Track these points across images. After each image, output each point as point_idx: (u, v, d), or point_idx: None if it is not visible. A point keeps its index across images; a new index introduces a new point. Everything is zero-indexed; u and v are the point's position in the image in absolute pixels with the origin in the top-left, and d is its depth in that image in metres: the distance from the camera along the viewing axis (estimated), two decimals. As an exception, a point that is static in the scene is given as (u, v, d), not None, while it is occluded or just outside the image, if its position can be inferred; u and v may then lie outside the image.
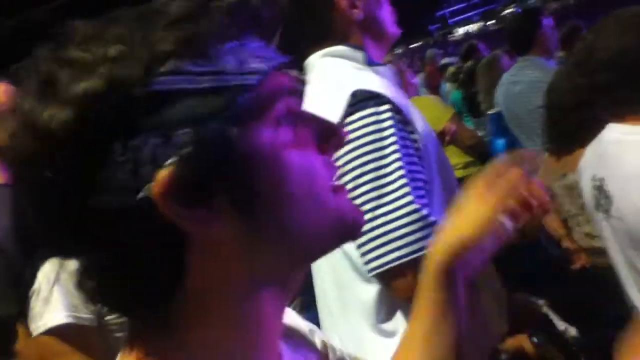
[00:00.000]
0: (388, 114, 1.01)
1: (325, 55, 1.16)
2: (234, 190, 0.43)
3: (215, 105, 0.42)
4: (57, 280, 1.11)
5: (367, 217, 0.98)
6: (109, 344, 1.14)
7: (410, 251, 0.97)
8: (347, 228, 0.52)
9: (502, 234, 0.67)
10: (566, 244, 2.25)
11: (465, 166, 3.13)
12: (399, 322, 1.07)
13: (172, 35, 0.42)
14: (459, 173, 2.95)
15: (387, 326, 1.07)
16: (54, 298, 1.14)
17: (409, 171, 0.99)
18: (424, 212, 0.98)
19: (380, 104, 1.02)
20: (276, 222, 0.46)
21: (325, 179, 0.49)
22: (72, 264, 0.45)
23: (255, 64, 0.45)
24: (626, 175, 1.28)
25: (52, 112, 0.40)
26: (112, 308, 0.47)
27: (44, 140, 0.40)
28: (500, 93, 2.96)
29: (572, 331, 2.06)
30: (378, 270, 0.99)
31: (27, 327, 1.21)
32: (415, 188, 0.99)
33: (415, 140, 1.04)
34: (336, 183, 0.51)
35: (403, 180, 0.98)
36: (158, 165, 0.40)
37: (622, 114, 1.34)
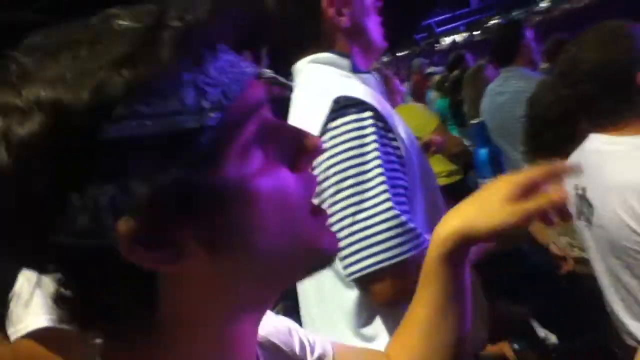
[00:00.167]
0: (370, 121, 1.02)
1: (311, 61, 1.17)
2: (201, 230, 0.41)
3: (173, 149, 0.38)
4: (38, 283, 1.09)
5: (347, 222, 0.99)
6: (90, 348, 1.13)
7: (388, 256, 0.98)
8: (322, 255, 0.50)
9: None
10: (554, 250, 2.27)
11: (449, 174, 3.15)
12: (378, 326, 1.07)
13: (119, 76, 0.37)
14: (442, 180, 2.97)
15: (367, 331, 1.08)
16: (35, 301, 1.13)
17: (390, 178, 1.00)
18: (404, 218, 0.99)
19: (362, 110, 1.02)
20: (248, 256, 0.44)
21: (300, 201, 0.47)
22: None
23: (218, 94, 0.40)
24: (607, 184, 1.31)
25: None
26: (84, 326, 0.44)
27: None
28: (485, 103, 2.99)
29: (553, 338, 2.08)
30: (356, 275, 1.00)
31: (3, 331, 1.20)
32: (395, 194, 1.00)
33: (397, 148, 1.05)
34: (314, 203, 0.49)
35: (383, 187, 0.99)
36: (118, 214, 0.38)
37: (603, 125, 1.36)
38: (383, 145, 1.02)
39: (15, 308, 1.17)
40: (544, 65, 3.52)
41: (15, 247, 0.40)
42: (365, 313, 1.08)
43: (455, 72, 4.54)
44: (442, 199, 1.21)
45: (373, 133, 1.01)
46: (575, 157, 1.47)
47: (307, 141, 0.48)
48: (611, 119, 1.34)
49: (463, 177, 3.21)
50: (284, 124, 0.48)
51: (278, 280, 0.48)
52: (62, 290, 0.42)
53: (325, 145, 1.01)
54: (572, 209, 1.48)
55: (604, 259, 1.41)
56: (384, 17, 1.23)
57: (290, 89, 1.08)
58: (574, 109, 1.49)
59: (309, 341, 0.70)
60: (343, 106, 1.03)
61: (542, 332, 2.07)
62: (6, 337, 1.19)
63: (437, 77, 5.58)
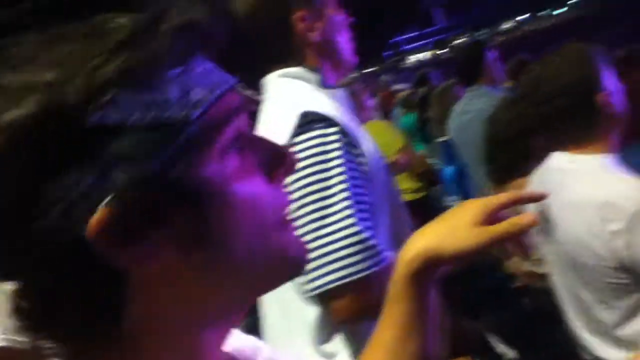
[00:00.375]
0: (335, 137, 1.02)
1: (280, 75, 1.17)
2: (176, 228, 0.41)
3: (156, 139, 0.39)
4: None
5: (309, 237, 0.98)
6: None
7: (348, 273, 0.98)
8: (294, 263, 0.50)
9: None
10: (510, 266, 2.31)
11: (415, 191, 3.20)
12: (339, 344, 1.07)
13: (113, 62, 0.38)
14: (409, 197, 3.00)
15: (328, 347, 1.07)
16: None
17: (354, 193, 1.00)
18: (366, 234, 0.99)
19: (328, 126, 1.03)
20: (220, 259, 0.43)
21: (274, 212, 0.47)
22: (8, 286, 0.42)
23: (201, 93, 0.42)
24: (568, 202, 1.33)
25: None
26: (46, 336, 0.43)
27: None
28: (452, 122, 3.04)
29: (511, 354, 2.10)
30: (317, 292, 0.99)
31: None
32: (359, 210, 1.00)
33: (362, 164, 1.05)
34: (285, 216, 0.49)
35: (347, 202, 0.99)
36: (93, 204, 0.37)
37: (565, 143, 1.39)
38: (348, 160, 1.02)
39: None
40: (507, 84, 3.60)
41: None
42: (326, 330, 1.07)
43: (423, 89, 4.61)
44: (407, 215, 1.22)
45: (338, 149, 1.01)
46: (538, 174, 1.50)
47: (284, 154, 0.49)
48: (573, 138, 1.37)
49: (427, 194, 3.26)
50: (261, 136, 0.49)
51: (248, 289, 0.48)
52: (19, 301, 0.41)
53: None
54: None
55: (563, 275, 1.44)
56: (351, 34, 1.24)
57: (257, 103, 1.08)
58: (534, 127, 1.52)
59: None
60: (309, 121, 1.03)
61: (501, 347, 2.09)
62: None
63: (403, 94, 5.66)
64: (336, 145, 1.01)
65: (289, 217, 0.50)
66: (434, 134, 3.71)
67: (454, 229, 0.67)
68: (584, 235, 1.29)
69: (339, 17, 1.21)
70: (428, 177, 3.23)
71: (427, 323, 0.69)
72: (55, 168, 0.37)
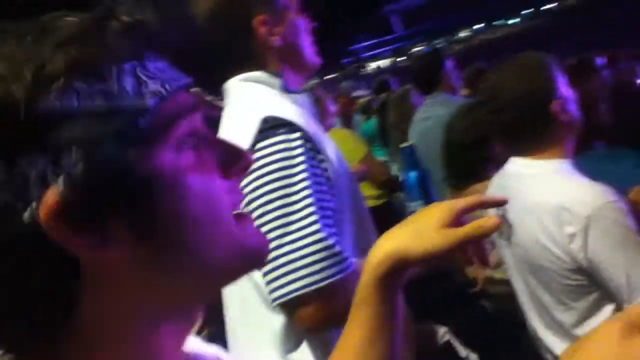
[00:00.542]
0: (299, 142, 1.01)
1: (242, 80, 1.15)
2: (129, 215, 0.41)
3: (109, 126, 0.40)
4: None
5: (273, 244, 0.96)
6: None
7: (313, 281, 0.96)
8: (251, 255, 0.49)
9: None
10: (469, 271, 2.34)
11: (378, 197, 3.22)
12: (305, 352, 1.05)
13: (62, 54, 0.40)
14: (371, 203, 3.02)
15: (295, 356, 1.06)
16: None
17: (318, 200, 0.99)
18: (330, 241, 0.97)
19: (291, 131, 1.01)
20: (176, 249, 0.43)
21: (227, 206, 0.47)
22: None
23: (155, 85, 0.43)
24: (525, 205, 1.36)
25: None
26: None
27: None
28: (413, 129, 3.08)
29: (474, 357, 2.13)
30: (281, 300, 0.97)
31: None
32: (323, 217, 0.99)
33: (325, 170, 1.04)
34: (240, 211, 0.49)
35: (311, 209, 0.97)
36: (45, 185, 0.38)
37: (522, 149, 1.43)
38: (311, 166, 1.01)
39: None
40: (464, 92, 3.67)
41: None
42: (292, 338, 1.05)
43: (383, 96, 4.65)
44: (370, 221, 1.21)
45: (301, 154, 1.00)
46: (498, 178, 1.53)
47: (239, 153, 0.50)
48: (529, 144, 1.41)
49: (388, 200, 3.29)
50: (217, 136, 0.50)
51: (203, 284, 0.47)
52: None
53: (252, 166, 1.00)
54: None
55: (522, 277, 1.47)
56: (313, 38, 1.24)
57: (218, 108, 1.06)
58: (491, 134, 1.56)
59: None
60: (272, 126, 1.01)
61: (463, 351, 2.12)
62: None
63: (363, 101, 5.71)
64: (300, 150, 1.00)
65: (245, 213, 0.50)
66: (394, 140, 3.75)
67: (421, 231, 0.67)
68: (542, 239, 1.32)
69: (300, 21, 1.20)
70: (389, 185, 3.26)
71: (395, 326, 0.70)
72: (7, 151, 0.38)
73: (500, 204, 0.76)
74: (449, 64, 3.06)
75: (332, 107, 3.66)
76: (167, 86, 0.44)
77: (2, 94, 0.38)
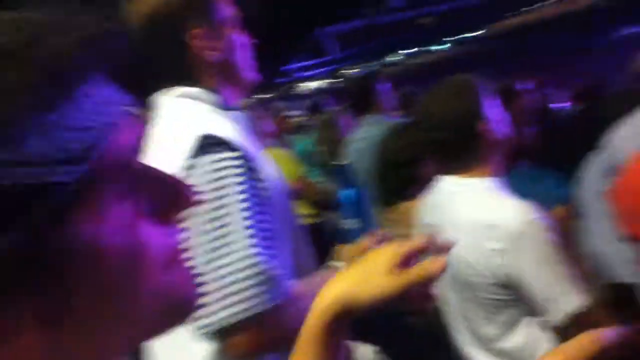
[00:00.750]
0: (236, 162, 0.97)
1: (175, 95, 1.10)
2: (40, 301, 0.34)
3: (11, 208, 0.31)
4: None
5: (206, 269, 0.92)
6: None
7: (246, 308, 0.92)
8: (178, 309, 0.43)
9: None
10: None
11: (312, 216, 3.24)
12: None
13: None
14: (305, 221, 3.03)
15: None
16: None
17: (256, 222, 0.95)
18: (267, 265, 0.93)
19: (228, 150, 0.97)
20: (93, 321, 0.37)
21: (158, 258, 0.40)
22: None
23: (77, 142, 0.34)
24: (455, 222, 1.41)
25: None
26: None
27: None
28: (348, 149, 3.13)
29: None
30: (211, 328, 0.92)
31: None
32: (260, 239, 0.95)
33: (262, 189, 1.00)
34: (175, 253, 0.43)
35: (247, 232, 0.93)
36: None
37: (453, 168, 1.47)
38: (250, 187, 0.97)
39: None
40: (397, 114, 3.77)
41: None
42: None
43: (317, 116, 4.70)
44: (306, 241, 1.19)
45: (238, 174, 0.96)
46: (430, 196, 1.57)
47: (182, 191, 0.43)
48: (459, 163, 1.45)
49: (322, 219, 3.33)
50: (156, 171, 0.42)
51: (124, 346, 0.41)
52: None
53: None
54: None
55: (451, 292, 1.51)
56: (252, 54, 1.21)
57: (150, 125, 1.02)
58: (423, 153, 1.60)
59: None
60: (207, 144, 0.97)
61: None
62: None
63: (297, 120, 5.74)
64: (237, 170, 0.96)
65: (180, 254, 0.44)
66: (328, 159, 3.79)
67: (369, 275, 0.67)
68: (469, 254, 1.36)
69: (238, 37, 1.16)
70: (323, 204, 3.29)
71: None
72: None
73: (447, 249, 0.74)
74: (384, 86, 3.13)
75: (269, 127, 3.67)
76: (99, 135, 0.35)
77: None
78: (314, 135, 4.32)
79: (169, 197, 0.42)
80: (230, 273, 0.92)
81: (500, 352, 1.40)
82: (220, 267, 0.92)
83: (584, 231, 2.08)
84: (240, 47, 1.17)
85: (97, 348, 0.39)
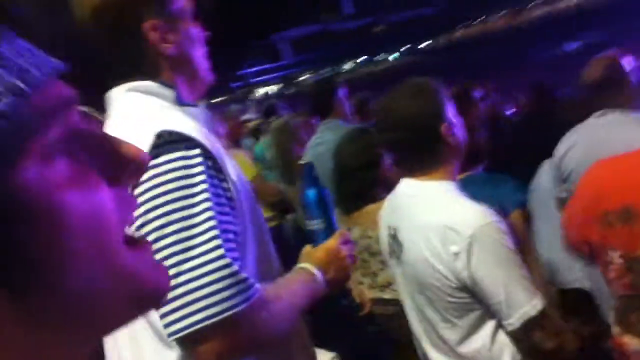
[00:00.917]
0: (198, 159, 0.91)
1: (130, 89, 1.03)
2: None
3: None
4: None
5: (171, 272, 0.86)
6: None
7: (214, 312, 0.87)
8: (147, 295, 0.40)
9: None
10: (355, 293, 2.37)
11: (270, 219, 3.22)
12: None
13: None
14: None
15: None
16: None
17: (221, 222, 0.90)
18: (235, 267, 0.89)
19: (190, 147, 0.92)
20: (52, 292, 0.33)
21: (117, 225, 0.37)
22: None
23: (10, 78, 0.32)
24: (414, 225, 1.41)
25: None
26: None
27: None
28: (306, 154, 3.14)
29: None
30: (179, 335, 0.88)
31: None
32: (226, 240, 0.90)
33: (227, 189, 0.96)
34: (135, 234, 0.41)
35: (212, 233, 0.88)
36: None
37: (413, 171, 1.47)
38: (213, 186, 0.92)
39: None
40: (353, 119, 3.81)
41: None
42: None
43: (272, 119, 4.70)
44: (271, 241, 1.14)
45: (202, 172, 0.91)
46: (390, 199, 1.57)
47: (129, 150, 0.39)
48: (418, 165, 1.45)
49: (280, 222, 3.30)
50: (99, 131, 0.39)
51: (87, 330, 0.37)
52: None
53: (145, 186, 0.89)
54: (385, 247, 1.57)
55: (411, 295, 1.51)
56: (207, 50, 1.17)
57: (99, 121, 0.96)
58: (381, 157, 1.60)
59: None
60: (167, 141, 0.92)
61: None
62: None
63: (252, 124, 5.70)
64: (200, 168, 0.91)
65: (142, 240, 0.41)
66: (280, 164, 3.78)
67: None
68: (429, 257, 1.36)
69: (195, 31, 1.11)
70: (281, 206, 3.26)
71: None
72: None
73: None
74: (342, 91, 3.17)
75: (224, 130, 3.64)
76: (31, 75, 0.33)
77: None
78: (269, 138, 4.30)
79: (117, 156, 0.38)
80: (198, 276, 0.87)
81: (460, 357, 1.40)
82: (187, 271, 0.87)
83: (536, 236, 2.13)
84: (197, 41, 1.12)
85: (58, 324, 0.35)
